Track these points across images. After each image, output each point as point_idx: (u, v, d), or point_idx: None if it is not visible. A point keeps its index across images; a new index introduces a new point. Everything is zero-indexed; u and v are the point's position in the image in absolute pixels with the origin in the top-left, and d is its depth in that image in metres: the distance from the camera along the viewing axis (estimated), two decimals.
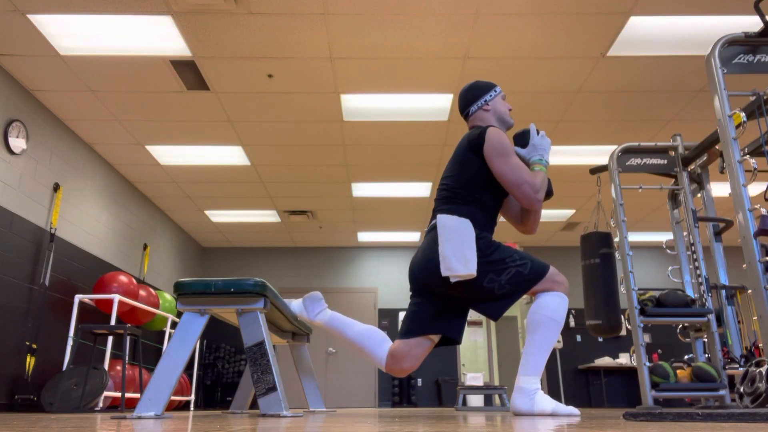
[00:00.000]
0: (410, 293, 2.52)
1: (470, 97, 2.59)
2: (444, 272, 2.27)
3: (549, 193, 2.51)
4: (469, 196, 2.41)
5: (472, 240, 2.30)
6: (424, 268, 2.37)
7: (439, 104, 5.26)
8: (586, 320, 4.17)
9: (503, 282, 2.31)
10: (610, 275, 4.12)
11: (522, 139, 2.54)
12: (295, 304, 2.69)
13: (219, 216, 8.27)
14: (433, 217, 2.50)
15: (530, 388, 2.28)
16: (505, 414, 3.36)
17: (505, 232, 9.21)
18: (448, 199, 2.44)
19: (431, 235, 2.43)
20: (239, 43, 4.35)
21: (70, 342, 5.35)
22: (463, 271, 2.24)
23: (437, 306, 2.43)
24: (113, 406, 6.01)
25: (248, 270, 9.71)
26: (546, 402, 2.25)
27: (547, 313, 2.30)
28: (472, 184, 2.42)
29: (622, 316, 4.09)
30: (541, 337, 2.31)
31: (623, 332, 9.06)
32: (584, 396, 9.01)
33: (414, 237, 9.33)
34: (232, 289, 2.53)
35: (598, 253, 4.16)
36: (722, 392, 3.63)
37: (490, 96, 2.58)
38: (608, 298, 4.06)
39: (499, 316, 2.34)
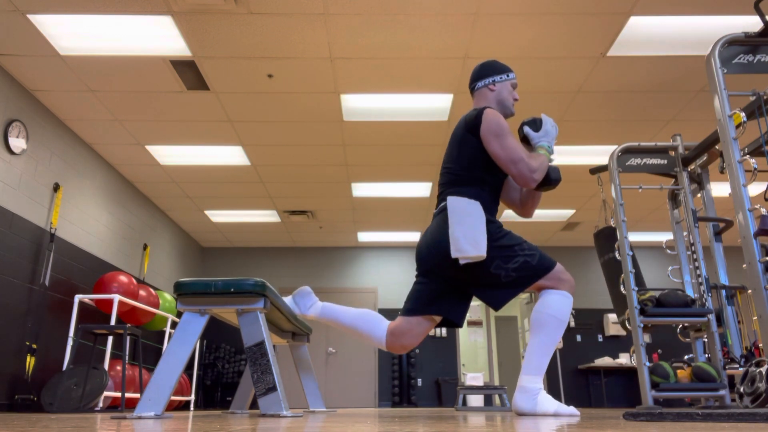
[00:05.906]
0: (416, 273, 2.51)
1: (481, 73, 2.60)
2: (454, 254, 2.27)
3: (557, 180, 2.47)
4: (471, 177, 2.42)
5: (482, 222, 2.30)
6: (433, 249, 2.37)
7: (439, 104, 5.26)
8: (618, 317, 4.12)
9: (510, 269, 2.30)
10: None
11: (533, 125, 2.55)
12: (286, 301, 2.69)
13: (219, 216, 8.27)
14: (440, 200, 2.50)
15: (533, 387, 2.27)
16: (506, 414, 3.36)
17: None
18: (454, 182, 2.45)
19: (440, 216, 2.42)
20: (239, 43, 4.35)
21: (70, 342, 5.35)
22: (473, 253, 2.24)
23: (441, 288, 2.43)
24: (113, 406, 6.01)
25: (248, 270, 9.71)
26: (548, 403, 2.25)
27: (551, 312, 2.29)
28: (472, 165, 2.42)
29: None
30: (544, 336, 2.29)
31: (623, 332, 9.05)
32: (584, 396, 9.00)
33: (414, 237, 9.32)
34: (232, 289, 2.53)
35: (613, 248, 4.17)
36: (722, 392, 3.63)
37: (500, 78, 2.58)
38: None
39: (500, 306, 2.33)
